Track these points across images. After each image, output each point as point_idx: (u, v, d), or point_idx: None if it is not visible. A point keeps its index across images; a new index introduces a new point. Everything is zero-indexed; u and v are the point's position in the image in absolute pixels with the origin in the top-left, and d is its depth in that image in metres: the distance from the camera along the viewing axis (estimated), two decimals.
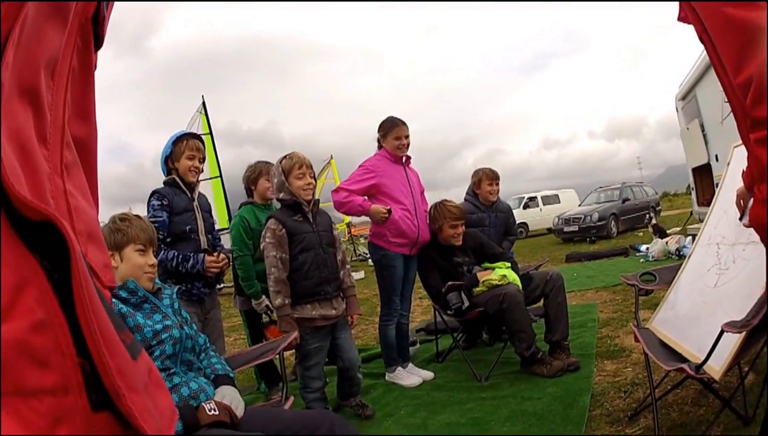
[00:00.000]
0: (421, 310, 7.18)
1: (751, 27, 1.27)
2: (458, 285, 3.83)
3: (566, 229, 16.45)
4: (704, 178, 9.38)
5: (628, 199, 17.24)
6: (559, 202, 22.47)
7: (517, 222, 5.01)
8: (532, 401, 3.18)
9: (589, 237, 15.40)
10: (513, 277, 3.87)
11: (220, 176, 11.62)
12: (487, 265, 4.06)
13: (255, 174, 3.80)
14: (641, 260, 9.19)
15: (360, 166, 3.87)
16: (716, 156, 8.26)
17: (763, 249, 2.14)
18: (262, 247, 3.05)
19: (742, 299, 2.12)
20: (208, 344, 2.18)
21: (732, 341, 1.90)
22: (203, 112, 11.68)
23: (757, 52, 1.26)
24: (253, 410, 1.91)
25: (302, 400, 3.15)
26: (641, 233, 14.77)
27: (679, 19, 1.71)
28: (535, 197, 22.83)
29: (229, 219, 12.21)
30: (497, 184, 4.62)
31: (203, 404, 1.73)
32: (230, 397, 1.86)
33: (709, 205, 9.07)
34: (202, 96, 11.80)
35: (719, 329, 2.01)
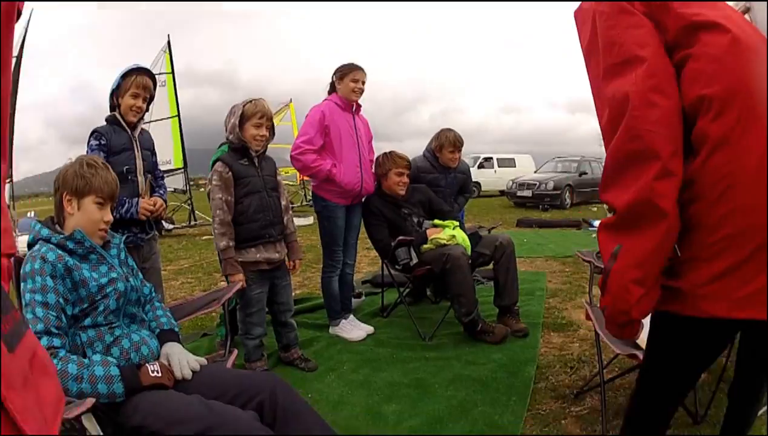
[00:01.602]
0: (368, 260, 7.20)
1: (618, 100, 1.22)
2: (408, 241, 3.87)
3: (520, 193, 16.74)
4: None
5: (585, 173, 17.60)
6: (514, 166, 22.77)
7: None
8: (476, 366, 3.24)
9: (542, 204, 15.73)
10: (462, 237, 3.91)
11: (178, 116, 11.76)
12: (438, 222, 4.09)
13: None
14: (593, 235, 9.36)
15: (310, 117, 3.77)
16: None
17: None
18: (207, 190, 3.05)
19: None
20: (154, 293, 2.19)
21: None
22: (167, 51, 11.87)
23: (617, 128, 1.22)
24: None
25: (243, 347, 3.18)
26: (595, 208, 15.17)
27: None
28: (491, 158, 23.04)
29: (184, 159, 12.07)
30: (459, 153, 4.58)
31: (147, 365, 1.73)
32: (176, 356, 1.87)
33: None
34: (168, 35, 12.10)
35: None
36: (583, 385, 2.88)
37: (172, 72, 12.03)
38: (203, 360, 1.93)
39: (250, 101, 3.06)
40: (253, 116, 3.03)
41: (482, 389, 2.91)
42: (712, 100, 1.15)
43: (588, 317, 2.59)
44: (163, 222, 11.75)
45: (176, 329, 2.08)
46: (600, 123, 1.32)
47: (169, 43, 12.06)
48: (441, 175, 4.59)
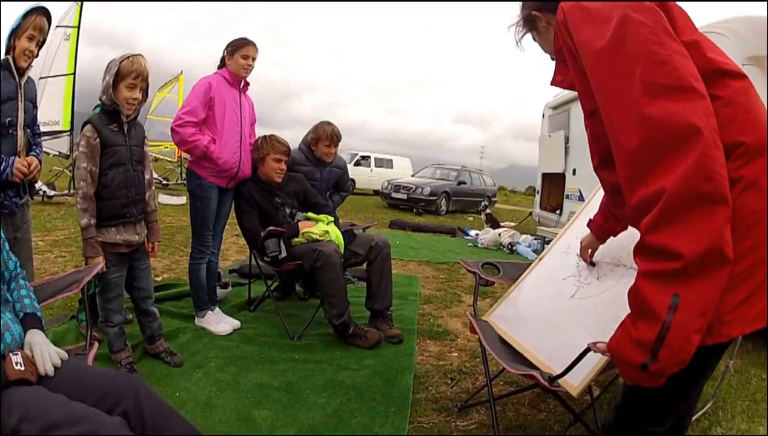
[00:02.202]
0: (236, 248, 6.84)
1: (676, 127, 1.14)
2: (278, 232, 3.67)
3: (394, 195, 16.89)
4: (553, 186, 10.05)
5: (464, 183, 18.12)
6: (392, 167, 23.04)
7: None
8: (350, 371, 3.10)
9: (416, 208, 15.95)
10: (336, 234, 3.75)
11: (74, 74, 10.76)
12: (312, 215, 3.92)
13: None
14: (469, 244, 9.72)
15: (196, 88, 3.55)
16: (574, 170, 8.90)
17: (633, 275, 2.21)
18: (74, 155, 2.67)
19: (606, 319, 2.14)
20: (19, 269, 2.01)
21: (594, 360, 1.89)
22: (80, 3, 10.84)
23: (679, 160, 1.13)
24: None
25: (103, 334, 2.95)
26: (471, 218, 15.72)
27: (554, 83, 1.68)
28: (369, 157, 23.10)
29: (72, 121, 11.03)
30: (335, 148, 4.42)
31: (10, 355, 1.58)
32: (39, 346, 1.71)
33: (553, 211, 9.69)
34: None
35: (578, 344, 2.00)
36: (468, 398, 2.81)
37: (79, 26, 10.92)
38: (64, 354, 1.75)
39: (128, 57, 2.74)
40: (128, 76, 2.71)
41: (358, 397, 2.76)
42: (748, 147, 1.23)
43: (473, 330, 2.53)
44: (45, 187, 10.78)
45: (39, 314, 1.90)
46: (613, 133, 1.27)
47: None
48: (316, 168, 4.41)
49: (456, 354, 3.53)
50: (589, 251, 2.36)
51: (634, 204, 1.21)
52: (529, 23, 1.69)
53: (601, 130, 1.36)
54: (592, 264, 2.43)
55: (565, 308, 2.38)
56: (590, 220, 2.25)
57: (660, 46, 1.20)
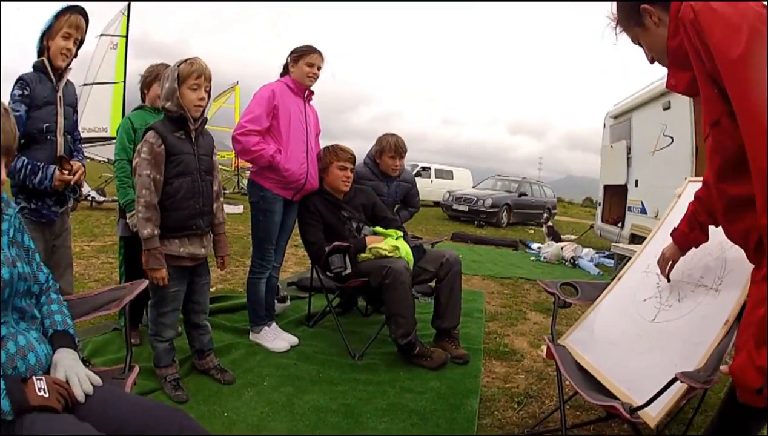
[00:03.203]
0: (295, 260, 6.85)
1: None
2: (344, 247, 3.55)
3: (456, 206, 16.74)
4: (615, 198, 9.80)
5: (525, 195, 17.84)
6: (452, 178, 22.90)
7: None
8: (413, 394, 2.99)
9: (477, 220, 15.75)
10: (406, 250, 3.62)
11: (124, 83, 11.37)
12: (380, 230, 3.81)
13: (151, 76, 3.53)
14: (532, 258, 9.47)
15: (258, 95, 3.48)
16: (636, 181, 8.64)
17: (719, 297, 2.08)
18: (135, 162, 2.67)
19: (689, 344, 2.05)
20: (51, 283, 1.84)
21: (673, 390, 1.78)
22: (126, 14, 11.49)
23: None
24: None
25: (150, 348, 2.87)
26: (532, 231, 15.42)
27: (669, 86, 1.62)
28: (429, 168, 23.01)
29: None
30: (401, 160, 4.33)
31: (33, 379, 1.42)
32: (66, 369, 1.54)
33: (614, 224, 9.48)
34: None
35: (660, 371, 1.91)
36: (535, 424, 2.69)
37: (126, 36, 11.58)
38: (97, 379, 1.58)
39: (185, 61, 2.71)
40: (189, 77, 2.66)
41: (421, 423, 2.66)
42: None
43: (550, 356, 2.41)
44: (94, 193, 11.23)
45: (71, 331, 1.73)
46: (755, 149, 1.24)
47: (129, 5, 11.56)
48: (383, 182, 4.34)
49: (523, 376, 3.39)
50: (670, 263, 2.25)
51: None
52: (635, 18, 1.61)
53: (727, 142, 1.35)
54: (669, 280, 2.31)
55: (647, 332, 2.28)
56: (674, 229, 2.18)
57: None
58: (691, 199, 2.08)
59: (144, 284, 2.22)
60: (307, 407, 2.75)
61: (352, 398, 2.90)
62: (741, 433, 1.64)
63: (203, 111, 2.80)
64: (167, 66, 3.20)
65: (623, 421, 2.22)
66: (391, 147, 4.21)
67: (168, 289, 2.72)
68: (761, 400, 1.25)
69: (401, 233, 3.80)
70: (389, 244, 3.60)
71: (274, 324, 3.77)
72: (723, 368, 1.38)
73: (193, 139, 2.76)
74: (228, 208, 11.72)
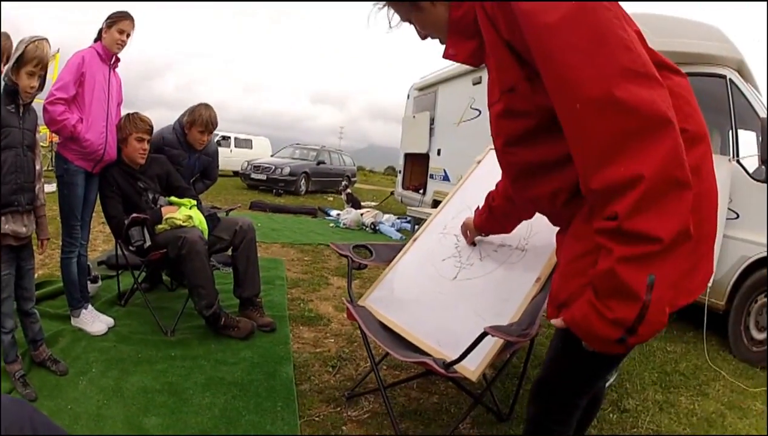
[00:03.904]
0: (103, 237, 6.29)
1: (647, 114, 1.14)
2: (141, 219, 3.47)
3: (254, 175, 16.47)
4: (416, 166, 10.28)
5: (323, 163, 18.11)
6: (251, 147, 22.42)
7: None
8: (228, 366, 3.00)
9: (276, 189, 15.67)
10: (200, 219, 3.62)
11: None
12: (174, 200, 3.74)
13: None
14: (331, 225, 9.71)
15: (70, 62, 3.25)
16: (438, 150, 9.15)
17: (527, 256, 2.29)
18: None
19: (497, 300, 2.21)
20: None
21: (489, 344, 1.92)
22: None
23: (651, 147, 1.14)
24: None
25: None
26: (331, 198, 15.75)
27: (446, 56, 1.58)
28: (229, 137, 22.32)
29: None
30: (209, 135, 4.20)
31: None
32: None
33: (416, 190, 10.02)
34: None
35: (469, 327, 2.05)
36: (354, 386, 2.81)
37: None
38: None
39: (34, 41, 2.59)
40: (30, 62, 2.56)
41: (242, 394, 2.68)
42: (690, 134, 1.33)
43: (351, 317, 2.48)
44: None
45: None
46: (570, 112, 1.22)
47: None
48: (186, 152, 4.18)
49: (332, 340, 3.53)
50: (468, 232, 2.43)
51: (596, 187, 1.19)
52: (410, 4, 1.53)
53: (521, 107, 1.38)
54: (473, 244, 2.50)
55: (449, 289, 2.42)
56: (476, 210, 2.28)
57: (623, 31, 1.19)
58: (491, 168, 2.22)
59: None
60: (135, 390, 2.68)
61: (172, 375, 2.86)
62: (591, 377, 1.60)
63: (32, 98, 2.67)
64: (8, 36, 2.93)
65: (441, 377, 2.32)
66: (203, 121, 4.03)
67: (0, 273, 2.52)
68: (621, 348, 1.27)
69: (195, 202, 3.77)
70: (183, 213, 3.57)
71: (90, 306, 3.54)
72: (556, 321, 1.39)
73: (21, 114, 2.62)
74: (45, 187, 10.44)
